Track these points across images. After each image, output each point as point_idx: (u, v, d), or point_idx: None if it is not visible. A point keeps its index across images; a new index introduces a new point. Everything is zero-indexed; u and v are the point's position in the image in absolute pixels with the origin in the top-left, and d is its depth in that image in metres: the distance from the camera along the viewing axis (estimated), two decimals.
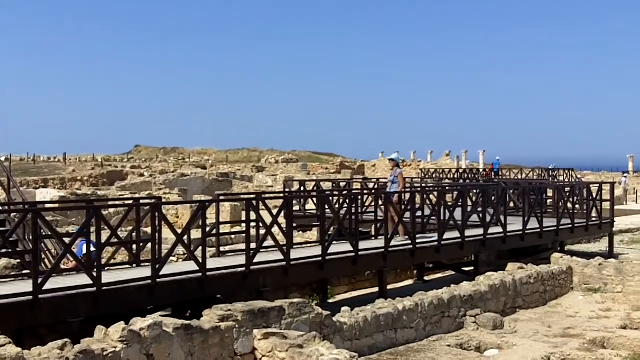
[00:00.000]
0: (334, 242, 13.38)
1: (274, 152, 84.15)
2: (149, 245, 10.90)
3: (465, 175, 43.81)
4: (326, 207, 13.79)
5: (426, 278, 18.40)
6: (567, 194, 19.77)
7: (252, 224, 12.47)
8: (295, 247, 13.91)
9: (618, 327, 12.38)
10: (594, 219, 20.22)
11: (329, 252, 12.73)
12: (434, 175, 46.43)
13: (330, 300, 15.43)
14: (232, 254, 13.49)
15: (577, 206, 20.17)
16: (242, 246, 12.50)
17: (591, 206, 20.14)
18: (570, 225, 18.93)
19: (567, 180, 43.81)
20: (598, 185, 21.32)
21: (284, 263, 11.98)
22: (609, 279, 14.96)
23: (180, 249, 12.43)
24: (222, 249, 14.22)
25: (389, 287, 14.98)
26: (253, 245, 11.84)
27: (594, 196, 20.37)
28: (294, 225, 17.78)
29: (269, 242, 12.44)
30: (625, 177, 57.93)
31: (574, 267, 15.54)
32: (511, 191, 19.64)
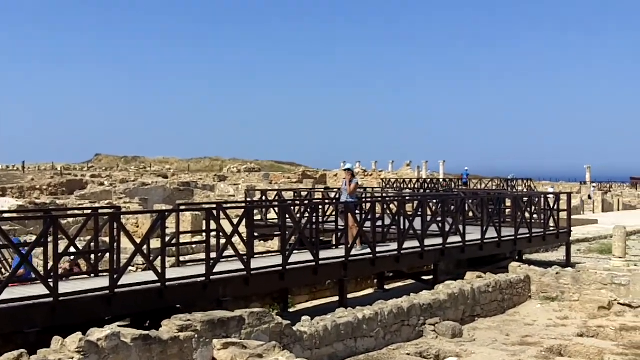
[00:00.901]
0: (295, 252, 13.41)
1: (236, 162, 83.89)
2: (108, 255, 10.81)
3: (426, 185, 44.16)
4: (287, 216, 13.81)
5: (386, 287, 18.49)
6: (525, 204, 20.05)
7: (213, 234, 12.44)
8: (256, 256, 13.91)
9: (575, 335, 12.57)
10: (551, 228, 20.53)
11: (289, 261, 12.75)
12: (394, 185, 46.79)
13: (291, 310, 15.42)
14: (192, 263, 13.44)
15: (535, 216, 20.47)
16: (203, 256, 12.46)
17: (548, 216, 20.46)
18: (528, 235, 19.21)
19: (525, 190, 44.45)
20: (555, 195, 21.62)
21: (245, 273, 11.97)
22: (566, 287, 15.19)
23: (139, 259, 12.32)
24: (183, 258, 14.15)
25: (349, 296, 15.04)
26: (214, 255, 11.81)
27: (552, 206, 20.69)
28: (256, 234, 17.81)
29: (230, 251, 12.40)
30: (594, 187, 59.27)
31: (531, 276, 15.76)
32: (470, 201, 19.86)
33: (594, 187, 60.10)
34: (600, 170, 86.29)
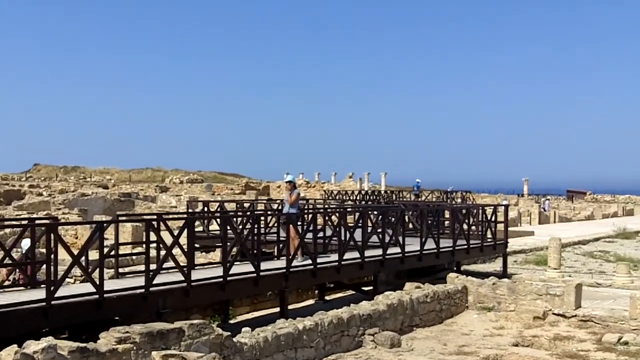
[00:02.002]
0: (237, 263, 13.44)
1: (179, 172, 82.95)
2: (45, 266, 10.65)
3: (368, 197, 44.55)
4: (229, 227, 13.81)
5: (327, 298, 18.61)
6: (463, 215, 20.45)
7: (154, 245, 12.37)
8: (197, 268, 13.86)
9: (510, 345, 12.84)
10: (489, 240, 20.98)
11: (230, 272, 12.75)
12: (337, 197, 47.08)
13: (232, 321, 15.40)
14: (132, 275, 13.30)
15: (473, 227, 20.89)
16: (143, 267, 12.35)
17: (486, 227, 20.90)
18: (465, 246, 19.56)
19: (464, 202, 45.24)
20: (493, 207, 22.11)
21: (185, 284, 11.93)
22: (502, 297, 15.52)
23: (78, 271, 12.17)
24: (123, 270, 14.00)
25: (290, 307, 15.10)
26: (154, 267, 11.74)
27: (489, 218, 21.14)
28: (197, 246, 17.72)
29: (171, 263, 12.34)
30: (548, 199, 60.78)
31: (469, 287, 16.06)
32: (410, 213, 20.15)
33: (548, 199, 61.80)
34: (537, 183, 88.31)
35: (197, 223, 21.19)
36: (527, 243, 29.97)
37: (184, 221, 13.27)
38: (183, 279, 11.95)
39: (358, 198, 44.85)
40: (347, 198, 45.42)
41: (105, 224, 11.71)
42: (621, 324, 13.76)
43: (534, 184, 75.70)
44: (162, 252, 12.34)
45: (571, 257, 26.96)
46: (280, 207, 22.40)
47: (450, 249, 18.93)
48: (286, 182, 16.64)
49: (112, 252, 13.33)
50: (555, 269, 20.43)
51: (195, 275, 12.44)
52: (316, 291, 18.73)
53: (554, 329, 14.10)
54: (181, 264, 12.21)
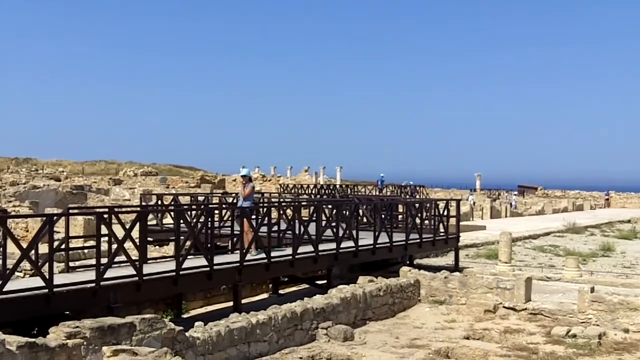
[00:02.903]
0: (190, 257, 13.34)
1: (133, 165, 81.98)
2: None
3: (323, 191, 44.65)
4: (182, 221, 13.72)
5: (281, 291, 18.64)
6: (416, 210, 20.64)
7: (105, 239, 12.21)
8: (149, 262, 13.74)
9: (461, 338, 12.98)
10: (441, 234, 21.22)
11: (183, 266, 12.67)
12: (292, 191, 47.09)
13: (185, 315, 15.32)
14: (83, 269, 13.12)
15: (426, 222, 21.11)
16: (95, 261, 12.21)
17: (438, 222, 21.14)
18: (418, 240, 19.76)
19: (414, 196, 45.68)
20: (445, 201, 22.36)
21: (136, 278, 11.81)
22: (453, 291, 15.71)
23: (27, 265, 11.97)
24: (74, 264, 13.81)
25: (244, 301, 15.07)
26: (105, 261, 11.61)
27: (441, 212, 21.37)
28: (150, 239, 17.58)
29: (123, 257, 12.21)
30: (515, 194, 61.82)
31: (421, 280, 16.23)
32: (364, 207, 20.27)
33: (515, 194, 62.84)
34: (489, 178, 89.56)
35: (150, 217, 21.02)
36: (479, 237, 30.40)
37: (136, 214, 13.14)
38: (135, 273, 11.84)
39: (313, 192, 44.91)
40: (303, 192, 45.45)
41: (55, 217, 11.51)
42: (570, 317, 14.05)
43: (487, 180, 76.81)
44: (114, 246, 12.21)
45: (522, 251, 27.46)
46: (235, 201, 22.35)
47: (403, 242, 19.10)
48: (241, 175, 16.61)
49: (63, 246, 13.14)
50: (506, 262, 20.79)
51: (148, 269, 12.33)
52: (270, 285, 18.74)
53: (504, 322, 14.32)
54: (133, 258, 12.09)
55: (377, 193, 47.11)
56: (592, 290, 14.46)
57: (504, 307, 14.90)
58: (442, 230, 21.21)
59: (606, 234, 36.18)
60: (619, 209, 65.67)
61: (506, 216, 48.27)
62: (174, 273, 12.52)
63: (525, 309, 14.63)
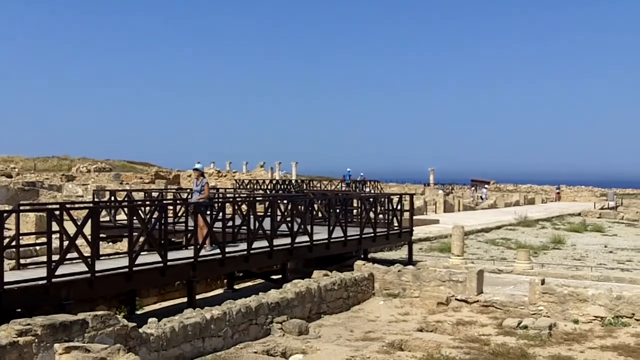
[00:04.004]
0: (144, 253, 13.25)
1: (86, 161, 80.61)
2: None
3: (279, 186, 44.61)
4: (135, 217, 13.60)
5: (236, 287, 18.61)
6: (371, 204, 20.77)
7: (57, 235, 12.05)
8: (102, 258, 13.62)
9: (415, 330, 13.14)
10: (395, 228, 21.40)
11: (137, 263, 12.57)
12: (248, 186, 46.93)
13: (139, 312, 15.20)
14: (34, 266, 12.94)
15: (380, 216, 21.27)
16: (46, 258, 12.05)
17: (392, 216, 21.32)
18: (372, 234, 19.91)
19: (372, 191, 45.95)
20: (399, 196, 22.55)
21: (89, 275, 11.69)
22: (407, 284, 15.88)
23: None
24: (25, 261, 13.60)
25: (199, 296, 15.03)
26: (57, 257, 11.46)
27: (395, 207, 21.55)
28: (104, 236, 17.36)
29: (76, 254, 12.06)
30: (486, 187, 62.68)
31: (375, 274, 16.37)
32: (319, 202, 20.34)
33: (485, 187, 63.66)
34: (443, 173, 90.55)
35: (104, 213, 20.77)
36: (432, 231, 30.70)
37: (88, 210, 12.98)
38: (87, 269, 11.71)
39: (269, 187, 44.84)
40: (258, 187, 45.33)
41: (5, 214, 11.33)
42: (521, 309, 14.32)
43: (440, 174, 77.65)
44: (66, 243, 12.07)
45: (474, 244, 27.85)
46: (188, 197, 22.22)
47: (357, 237, 19.23)
48: (194, 169, 16.64)
49: (14, 243, 12.92)
50: (458, 256, 21.07)
51: (100, 265, 12.22)
52: (225, 280, 18.70)
53: (456, 314, 14.52)
54: (86, 255, 11.95)
55: (344, 188, 47.37)
56: (543, 282, 14.76)
57: (456, 299, 15.12)
58: (396, 224, 21.39)
59: (557, 227, 36.91)
60: (570, 203, 66.94)
61: (459, 210, 48.83)
62: (126, 269, 12.42)
63: (477, 301, 14.86)
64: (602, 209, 51.36)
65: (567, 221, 41.12)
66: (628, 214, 45.39)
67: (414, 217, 24.85)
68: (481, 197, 56.53)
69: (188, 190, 26.21)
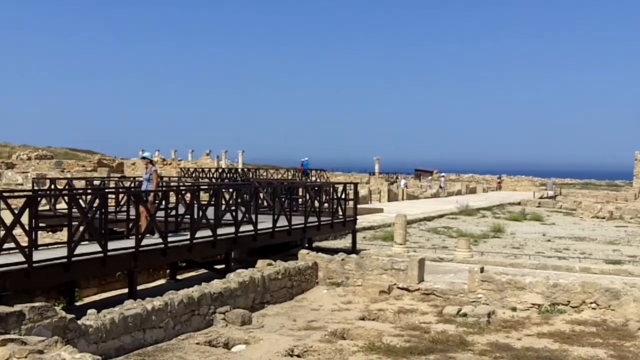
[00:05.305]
0: (84, 243, 13.04)
1: (27, 148, 78.73)
2: None
3: (225, 175, 44.34)
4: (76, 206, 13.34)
5: (179, 277, 18.46)
6: (316, 193, 20.82)
7: None
8: (41, 248, 13.36)
9: (357, 319, 13.26)
10: (340, 216, 21.50)
11: (76, 253, 12.34)
12: (193, 175, 46.51)
13: (78, 303, 14.94)
14: None
15: (325, 205, 21.34)
16: None
17: (337, 205, 21.42)
18: (316, 223, 19.98)
19: (318, 180, 46.09)
20: (343, 185, 22.64)
21: (26, 265, 11.43)
22: (350, 273, 16.01)
23: None
24: None
25: (141, 287, 14.86)
26: None
27: (339, 195, 21.65)
28: (44, 225, 17.03)
29: (12, 244, 11.79)
30: (443, 176, 63.54)
31: (319, 263, 16.44)
32: (264, 190, 20.30)
33: (443, 176, 64.34)
34: (388, 162, 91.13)
35: (44, 202, 20.35)
36: (376, 220, 30.93)
37: (26, 199, 12.71)
38: (24, 259, 11.46)
39: (215, 176, 44.52)
40: (204, 176, 44.98)
41: None
42: (461, 297, 14.58)
43: (385, 163, 78.16)
44: (2, 232, 11.78)
45: (417, 232, 28.16)
46: (132, 185, 21.93)
47: (302, 225, 19.26)
48: (141, 158, 16.50)
49: None
50: (401, 244, 21.29)
51: (39, 256, 11.98)
52: (168, 270, 18.53)
53: (398, 302, 14.70)
54: (23, 245, 11.69)
55: (302, 177, 47.45)
56: (482, 270, 15.06)
57: (398, 287, 15.29)
58: (340, 213, 21.49)
59: (497, 216, 37.58)
60: (510, 192, 68.17)
61: (403, 199, 49.30)
62: (65, 260, 12.18)
63: (419, 289, 15.07)
64: (541, 198, 52.46)
65: (507, 210, 41.92)
66: (566, 203, 46.46)
67: (359, 206, 25.02)
68: (440, 186, 57.39)
69: (131, 178, 25.89)
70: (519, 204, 47.44)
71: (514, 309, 13.91)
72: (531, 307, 13.92)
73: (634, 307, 13.15)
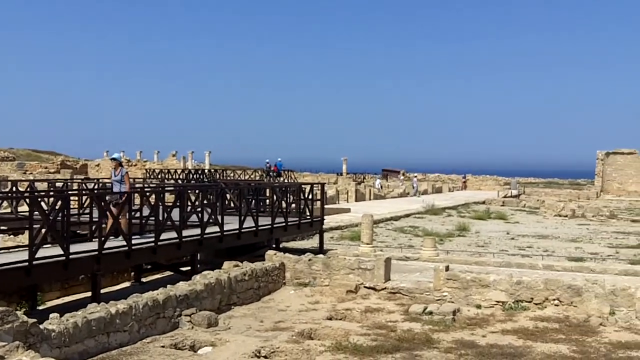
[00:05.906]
0: (47, 246, 12.84)
1: None
2: None
3: (191, 176, 44.10)
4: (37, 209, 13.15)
5: (144, 279, 18.30)
6: (282, 193, 20.80)
7: None
8: (2, 251, 13.13)
9: (324, 319, 13.22)
10: (307, 217, 21.50)
11: (37, 256, 12.14)
12: (159, 176, 46.18)
13: (41, 307, 14.74)
14: None
15: (292, 205, 21.33)
16: None
17: (303, 205, 21.41)
18: (283, 224, 19.94)
19: (286, 180, 46.04)
20: (310, 185, 22.66)
21: None
22: (317, 273, 15.98)
23: None
24: None
25: (105, 290, 14.68)
26: None
27: (307, 196, 21.65)
28: (4, 228, 16.78)
29: None
30: (416, 177, 63.92)
31: (286, 263, 16.39)
32: (231, 191, 20.23)
33: (415, 177, 64.69)
34: (355, 163, 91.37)
35: (5, 204, 20.05)
36: (344, 220, 31.00)
37: None
38: None
39: (181, 177, 44.25)
40: (170, 177, 44.68)
41: None
42: (427, 295, 14.64)
43: (352, 164, 78.37)
44: None
45: (384, 232, 28.28)
46: (95, 187, 21.68)
47: (269, 226, 19.22)
48: (110, 159, 16.35)
49: None
50: (367, 244, 21.36)
51: None
52: (132, 273, 18.35)
53: (365, 301, 14.71)
54: None
55: (276, 177, 47.48)
56: (447, 268, 15.15)
57: (365, 287, 15.31)
58: (307, 213, 21.49)
59: (462, 215, 37.92)
60: (475, 191, 68.86)
61: (370, 199, 49.47)
62: (26, 263, 11.98)
63: (385, 288, 15.10)
64: (505, 197, 53.10)
65: (472, 209, 42.32)
66: (530, 202, 47.05)
67: (326, 206, 25.08)
68: (412, 186, 57.78)
69: (95, 180, 25.60)
70: (483, 203, 47.92)
71: (479, 307, 14.02)
72: (495, 304, 14.04)
73: (596, 303, 13.34)
